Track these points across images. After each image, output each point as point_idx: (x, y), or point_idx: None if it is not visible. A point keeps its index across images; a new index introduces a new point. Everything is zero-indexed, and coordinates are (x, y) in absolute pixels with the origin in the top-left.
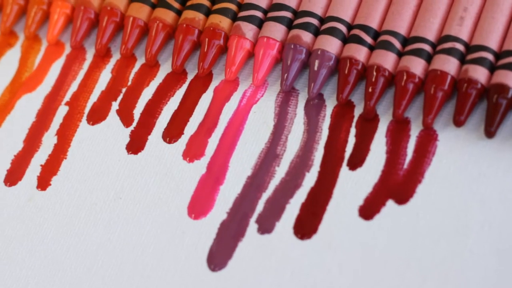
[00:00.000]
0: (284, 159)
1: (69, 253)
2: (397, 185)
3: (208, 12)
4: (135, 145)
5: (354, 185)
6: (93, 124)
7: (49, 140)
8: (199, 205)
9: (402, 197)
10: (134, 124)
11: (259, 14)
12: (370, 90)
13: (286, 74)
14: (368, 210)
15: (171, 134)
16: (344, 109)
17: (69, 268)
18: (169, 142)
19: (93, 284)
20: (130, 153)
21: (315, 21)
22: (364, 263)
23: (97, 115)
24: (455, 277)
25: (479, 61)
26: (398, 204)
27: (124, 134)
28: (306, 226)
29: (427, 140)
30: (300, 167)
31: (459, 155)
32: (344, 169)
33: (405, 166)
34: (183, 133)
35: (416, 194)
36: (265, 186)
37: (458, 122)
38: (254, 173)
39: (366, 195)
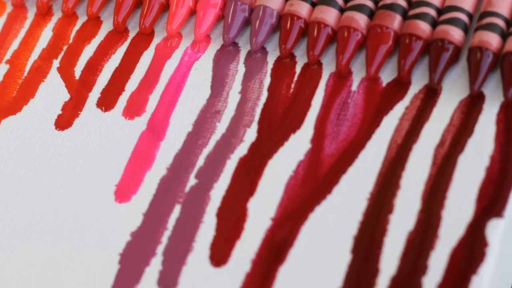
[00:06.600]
0: (225, 115)
1: (8, 210)
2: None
3: None
4: (76, 102)
5: (296, 139)
6: (34, 82)
7: None
8: (139, 161)
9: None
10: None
11: None
12: (312, 45)
13: (227, 31)
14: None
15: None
16: (286, 64)
17: (7, 225)
18: (105, 111)
19: (31, 240)
20: (71, 110)
21: None
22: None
23: (38, 73)
24: None
25: (421, 16)
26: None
27: (64, 91)
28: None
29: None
30: (241, 123)
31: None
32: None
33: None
34: (124, 90)
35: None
36: (206, 142)
37: (402, 75)
38: (194, 129)
39: (307, 150)
